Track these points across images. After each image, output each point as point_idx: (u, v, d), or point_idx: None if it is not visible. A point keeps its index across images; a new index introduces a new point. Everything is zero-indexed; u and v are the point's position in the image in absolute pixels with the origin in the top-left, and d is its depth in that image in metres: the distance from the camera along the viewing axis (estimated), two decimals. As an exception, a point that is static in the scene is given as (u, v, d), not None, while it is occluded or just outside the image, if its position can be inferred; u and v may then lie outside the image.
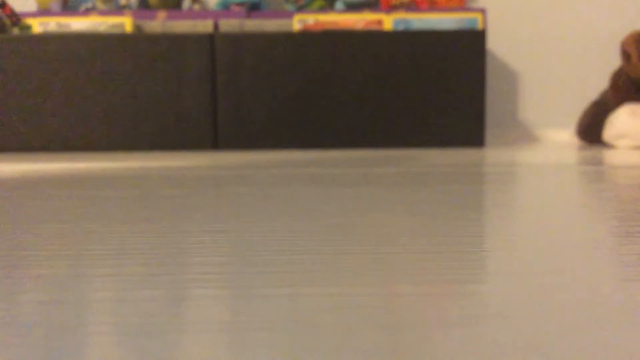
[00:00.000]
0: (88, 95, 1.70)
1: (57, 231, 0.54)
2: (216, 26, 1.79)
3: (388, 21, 1.76)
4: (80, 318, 0.31)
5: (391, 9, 1.85)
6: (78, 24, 1.78)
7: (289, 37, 1.70)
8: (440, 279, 0.37)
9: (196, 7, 1.90)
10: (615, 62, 1.97)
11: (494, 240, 0.49)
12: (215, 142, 1.72)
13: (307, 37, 1.70)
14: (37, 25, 1.77)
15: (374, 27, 1.76)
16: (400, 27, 1.75)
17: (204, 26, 1.79)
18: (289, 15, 1.80)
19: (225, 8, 1.89)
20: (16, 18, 1.76)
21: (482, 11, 1.78)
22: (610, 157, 1.37)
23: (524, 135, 2.09)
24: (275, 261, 0.42)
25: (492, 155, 1.42)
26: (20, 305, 0.33)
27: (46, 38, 1.70)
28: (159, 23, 1.80)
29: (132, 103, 1.71)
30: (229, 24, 1.78)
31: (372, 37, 1.69)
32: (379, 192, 0.78)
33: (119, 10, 1.87)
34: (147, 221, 0.58)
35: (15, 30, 1.76)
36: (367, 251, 0.45)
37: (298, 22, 1.76)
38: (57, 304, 0.33)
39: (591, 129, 1.81)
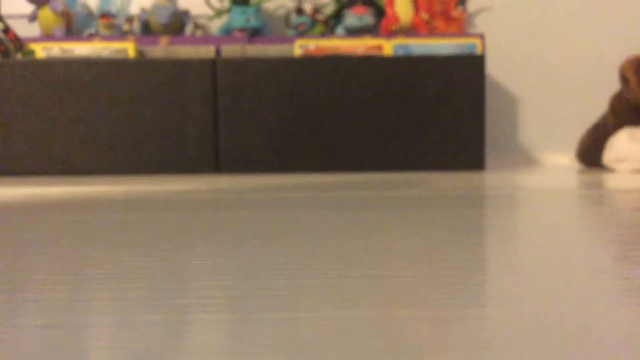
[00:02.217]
0: (91, 119, 1.71)
1: (58, 255, 0.54)
2: (218, 51, 1.81)
3: (388, 46, 1.77)
4: (80, 343, 0.31)
5: (391, 34, 1.87)
6: (81, 49, 1.80)
7: (290, 62, 1.72)
8: (441, 303, 0.37)
9: (198, 32, 1.92)
10: (614, 86, 1.98)
11: (494, 264, 0.49)
12: (216, 165, 1.72)
13: (308, 61, 1.71)
14: (41, 50, 1.79)
15: (374, 52, 1.77)
16: (400, 53, 1.77)
17: (206, 51, 1.80)
18: (290, 40, 1.82)
19: (227, 34, 1.91)
20: (19, 43, 1.78)
21: (481, 36, 1.80)
22: (610, 180, 1.37)
23: (524, 159, 2.09)
24: (276, 285, 0.42)
25: (492, 178, 1.42)
26: (20, 329, 0.33)
27: (49, 63, 1.72)
28: (162, 48, 1.82)
29: (134, 127, 1.72)
30: (230, 49, 1.80)
31: (372, 62, 1.71)
32: (379, 215, 0.78)
33: (122, 35, 1.89)
34: (148, 245, 0.58)
35: (19, 56, 1.78)
36: (368, 275, 0.45)
37: (299, 48, 1.78)
38: (57, 329, 0.33)
39: (591, 152, 1.81)
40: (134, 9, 2.02)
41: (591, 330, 0.32)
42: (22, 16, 1.98)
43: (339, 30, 1.91)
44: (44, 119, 1.71)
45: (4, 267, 0.50)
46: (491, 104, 2.07)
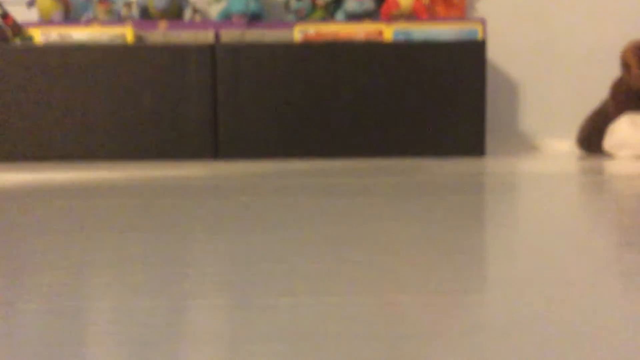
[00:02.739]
0: (89, 105, 1.71)
1: (57, 241, 0.54)
2: (217, 36, 1.80)
3: (388, 32, 1.76)
4: (79, 327, 0.31)
5: (391, 19, 1.86)
6: (79, 34, 1.78)
7: (289, 48, 1.71)
8: (440, 288, 0.37)
9: (197, 17, 1.91)
10: (615, 72, 1.97)
11: (494, 250, 0.49)
12: (215, 151, 1.72)
13: (308, 48, 1.70)
14: (39, 36, 1.77)
15: (375, 38, 1.76)
16: (401, 38, 1.76)
17: (205, 36, 1.79)
18: (290, 25, 1.80)
19: (227, 18, 1.90)
20: (18, 28, 1.77)
21: (482, 21, 1.79)
22: (611, 166, 1.37)
23: (525, 145, 2.09)
24: (276, 271, 0.42)
25: (493, 164, 1.42)
26: (21, 314, 0.33)
27: (48, 49, 1.71)
28: (160, 33, 1.80)
29: (133, 113, 1.71)
30: (230, 35, 1.79)
31: (372, 48, 1.70)
32: (379, 201, 0.78)
33: (121, 20, 1.88)
34: (147, 231, 0.58)
35: (17, 40, 1.77)
36: (367, 261, 0.45)
37: (299, 33, 1.77)
38: (57, 313, 0.33)
39: (591, 138, 1.81)
40: (133, -7, 2.00)
41: (592, 315, 0.32)
42: (21, 1, 1.97)
43: (339, 15, 1.90)
44: (42, 104, 1.71)
45: (3, 252, 0.50)
46: (492, 89, 2.06)
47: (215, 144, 1.71)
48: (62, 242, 0.54)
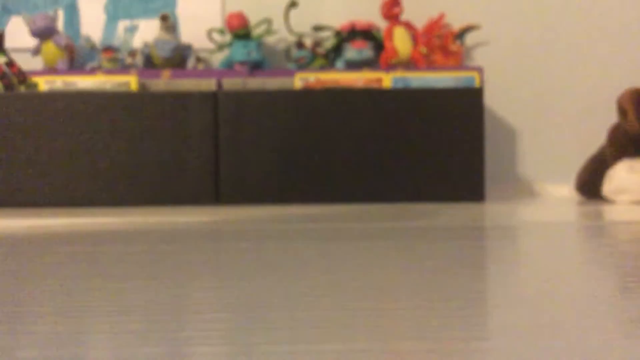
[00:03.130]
0: (93, 151, 1.72)
1: (59, 287, 0.54)
2: (219, 84, 1.83)
3: (387, 79, 1.79)
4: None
5: (390, 68, 1.89)
6: (84, 82, 1.82)
7: (290, 94, 1.73)
8: (442, 335, 0.37)
9: (200, 66, 1.95)
10: (612, 117, 2.00)
11: (496, 297, 0.49)
12: (217, 196, 1.73)
13: (308, 94, 1.73)
14: (44, 84, 1.80)
15: (374, 85, 1.79)
16: (399, 85, 1.79)
17: (208, 84, 1.82)
18: (291, 73, 1.84)
19: (229, 67, 1.94)
20: (23, 76, 1.80)
21: (479, 70, 1.82)
22: (610, 212, 1.38)
23: (524, 190, 2.10)
24: (277, 318, 0.42)
25: (493, 210, 1.43)
26: None
27: (52, 95, 1.73)
28: (164, 82, 1.84)
29: (136, 159, 1.72)
30: (232, 82, 1.82)
31: (371, 95, 1.73)
32: (379, 247, 0.78)
33: (125, 69, 1.91)
34: (148, 277, 0.58)
35: (22, 88, 1.80)
36: (368, 307, 0.45)
37: (300, 81, 1.80)
38: None
39: (590, 184, 1.82)
40: (137, 42, 2.05)
41: None
42: (26, 49, 2.01)
43: (339, 63, 1.94)
44: (45, 150, 1.72)
45: (5, 298, 0.50)
46: (490, 135, 2.08)
47: (216, 189, 1.72)
48: (63, 288, 0.54)
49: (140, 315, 0.43)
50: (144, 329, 0.39)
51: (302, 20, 2.04)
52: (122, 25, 2.08)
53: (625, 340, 0.36)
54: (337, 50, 1.97)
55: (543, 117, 2.10)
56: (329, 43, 2.00)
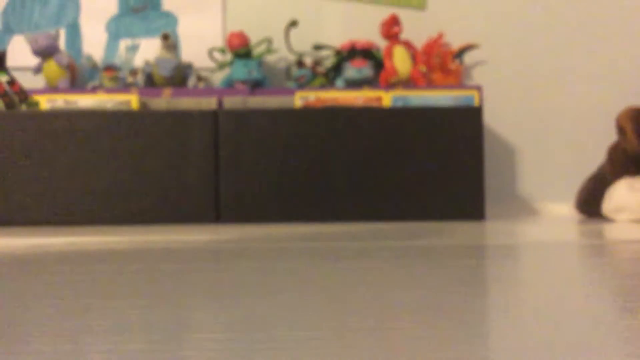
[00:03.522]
0: (94, 169, 1.73)
1: (59, 307, 0.54)
2: (220, 103, 1.84)
3: (387, 98, 1.80)
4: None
5: (390, 86, 1.90)
6: (85, 101, 1.82)
7: (290, 113, 1.74)
8: (443, 356, 0.37)
9: (201, 84, 1.96)
10: (611, 136, 2.01)
11: (496, 316, 0.49)
12: (217, 215, 1.73)
13: (308, 112, 1.74)
14: (45, 102, 1.81)
15: (374, 104, 1.80)
16: (399, 104, 1.80)
17: (208, 103, 1.83)
18: (291, 92, 1.85)
19: (230, 86, 1.95)
20: (24, 95, 1.81)
21: (478, 88, 1.83)
22: (610, 231, 1.37)
23: (524, 208, 2.10)
24: (277, 338, 0.42)
25: (493, 229, 1.42)
26: None
27: (53, 114, 1.74)
28: (165, 100, 1.85)
29: (136, 177, 1.73)
30: (232, 101, 1.83)
31: (371, 113, 1.73)
32: (380, 266, 0.78)
33: (126, 88, 1.92)
34: (148, 297, 0.58)
35: (24, 107, 1.80)
36: (369, 327, 0.44)
37: (300, 99, 1.81)
38: None
39: (590, 202, 1.82)
40: (138, 61, 2.06)
41: None
42: (28, 68, 2.02)
43: (339, 82, 1.95)
44: (46, 169, 1.72)
45: (5, 318, 0.50)
46: (490, 154, 2.09)
47: (216, 208, 1.72)
48: (63, 308, 0.54)
49: (139, 334, 0.43)
50: (143, 349, 0.39)
51: (303, 40, 2.05)
52: (123, 44, 2.10)
53: (627, 358, 0.36)
54: (337, 69, 1.98)
55: (543, 136, 2.10)
56: (329, 62, 2.02)
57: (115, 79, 1.94)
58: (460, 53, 2.01)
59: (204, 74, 2.06)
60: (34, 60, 1.99)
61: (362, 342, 0.40)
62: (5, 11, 2.10)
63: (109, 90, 1.87)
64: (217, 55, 2.05)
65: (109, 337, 0.43)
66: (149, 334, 0.44)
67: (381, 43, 2.02)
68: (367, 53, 1.96)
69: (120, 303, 0.55)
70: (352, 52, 1.95)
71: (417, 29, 2.08)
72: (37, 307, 0.54)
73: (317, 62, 2.01)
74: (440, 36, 2.01)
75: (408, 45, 1.98)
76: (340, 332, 0.43)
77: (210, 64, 2.05)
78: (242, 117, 1.74)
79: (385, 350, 0.38)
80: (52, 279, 0.71)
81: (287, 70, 2.03)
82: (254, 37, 2.03)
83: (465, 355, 0.37)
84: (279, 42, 2.04)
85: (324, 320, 0.47)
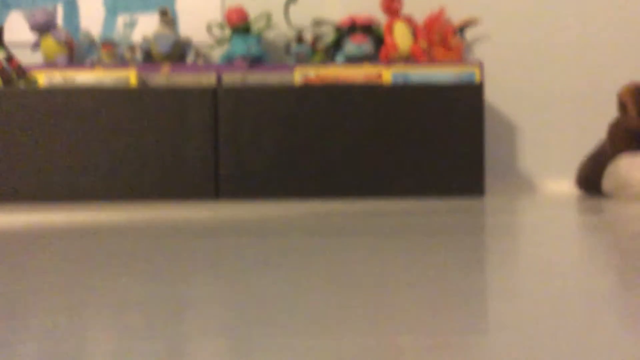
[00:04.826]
0: (92, 147, 1.72)
1: (57, 282, 0.54)
2: (219, 79, 1.83)
3: (387, 74, 1.79)
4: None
5: (390, 62, 1.89)
6: (83, 77, 1.81)
7: (289, 90, 1.73)
8: (441, 330, 0.37)
9: (200, 60, 1.94)
10: (612, 112, 2.00)
11: (494, 291, 0.49)
12: (216, 191, 1.73)
13: (308, 90, 1.73)
14: (44, 78, 1.80)
15: (374, 81, 1.79)
16: (399, 81, 1.79)
17: (208, 79, 1.82)
18: (291, 68, 1.83)
19: (229, 61, 1.94)
20: (22, 71, 1.80)
21: (480, 64, 1.82)
22: (609, 208, 1.38)
23: (524, 185, 2.10)
24: (275, 312, 0.42)
25: (492, 205, 1.43)
26: (19, 356, 0.33)
27: (51, 92, 1.73)
28: (163, 76, 1.83)
29: (135, 154, 1.72)
30: (232, 77, 1.82)
31: (371, 91, 1.73)
32: (379, 242, 0.78)
33: (124, 63, 1.91)
34: (147, 272, 0.59)
35: (21, 83, 1.80)
36: (367, 302, 0.45)
37: (299, 75, 1.80)
38: (56, 356, 0.33)
39: (590, 179, 1.82)
40: (136, 37, 2.05)
41: (592, 356, 0.32)
42: (26, 44, 2.01)
43: (339, 58, 1.94)
44: (45, 146, 1.72)
45: (4, 294, 0.50)
46: (490, 131, 2.08)
47: (216, 184, 1.72)
48: (62, 283, 0.54)
49: (139, 310, 0.44)
50: (143, 324, 0.40)
51: (302, 15, 2.03)
52: (121, 19, 2.08)
53: (626, 334, 0.36)
54: (336, 45, 1.97)
55: (543, 113, 2.10)
56: (329, 38, 2.00)
57: (113, 54, 1.93)
58: (461, 29, 1.99)
59: (202, 49, 2.04)
60: (31, 36, 1.98)
61: (360, 316, 0.41)
62: (1, -14, 2.08)
63: (107, 66, 1.86)
64: (216, 31, 2.04)
65: (108, 312, 0.43)
66: (148, 308, 0.44)
67: (382, 18, 2.00)
68: (367, 29, 1.94)
69: (119, 279, 0.56)
70: (352, 28, 1.93)
71: (418, 4, 2.06)
72: (36, 282, 0.55)
73: (316, 38, 1.99)
74: (441, 11, 1.99)
75: (409, 20, 1.97)
76: (339, 306, 0.43)
77: (209, 39, 2.03)
78: (241, 94, 1.73)
79: (382, 325, 0.38)
80: (52, 254, 0.71)
81: (287, 46, 2.02)
82: (253, 13, 2.02)
83: (463, 329, 0.37)
84: (278, 18, 2.02)
85: (323, 294, 0.48)
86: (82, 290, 0.51)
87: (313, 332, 0.37)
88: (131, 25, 2.06)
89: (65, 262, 0.66)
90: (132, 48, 1.95)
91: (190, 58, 1.92)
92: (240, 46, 1.90)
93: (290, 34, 2.04)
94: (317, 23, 2.00)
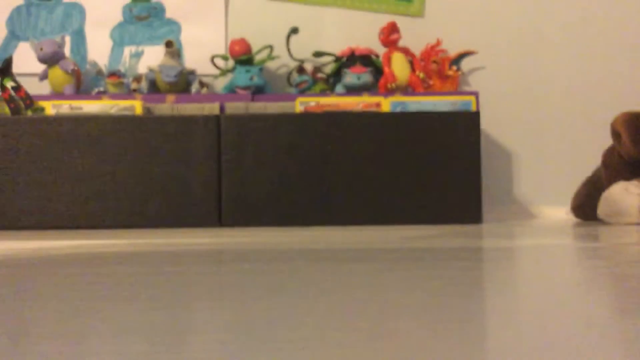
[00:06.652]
0: (98, 174, 1.75)
1: (61, 309, 0.55)
2: (222, 109, 1.86)
3: (386, 104, 1.83)
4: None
5: (389, 92, 1.93)
6: (90, 106, 1.85)
7: (291, 118, 1.76)
8: (441, 357, 0.38)
9: (204, 90, 1.98)
10: (606, 141, 2.02)
11: (493, 318, 0.50)
12: (219, 218, 1.75)
13: (309, 117, 1.76)
14: (51, 108, 1.84)
15: (373, 109, 1.82)
16: (398, 110, 1.82)
17: (211, 108, 1.86)
18: (292, 98, 1.87)
19: (232, 92, 1.97)
20: (30, 100, 1.84)
21: (476, 94, 1.86)
22: (605, 234, 1.39)
23: (521, 212, 2.12)
24: (278, 339, 0.43)
25: (490, 232, 1.44)
26: None
27: (59, 119, 1.77)
28: (168, 106, 1.87)
29: (140, 182, 1.75)
30: (234, 107, 1.85)
31: (370, 118, 1.76)
32: (379, 268, 0.79)
33: (130, 94, 1.95)
34: (150, 299, 0.59)
35: (29, 113, 1.83)
36: (369, 328, 0.45)
37: (300, 105, 1.83)
38: None
39: (585, 205, 1.84)
40: (142, 68, 2.09)
41: None
42: (33, 75, 2.05)
43: (339, 88, 1.97)
44: (51, 173, 1.75)
45: (7, 320, 0.51)
46: (487, 158, 2.11)
47: (219, 211, 1.74)
48: (66, 309, 0.54)
49: (143, 336, 0.44)
50: (147, 350, 0.40)
51: (303, 47, 2.07)
52: (127, 51, 2.12)
53: (625, 358, 0.36)
54: (337, 75, 2.01)
55: (539, 141, 2.12)
56: (329, 68, 2.04)
57: (119, 85, 1.97)
58: (458, 59, 2.03)
59: (206, 80, 2.08)
60: (39, 67, 2.02)
61: (361, 343, 0.41)
62: (11, 18, 2.13)
63: (114, 96, 1.89)
64: (219, 62, 2.08)
65: (113, 338, 0.44)
66: (153, 335, 0.45)
67: (380, 50, 2.04)
68: (366, 59, 1.98)
69: (124, 305, 0.56)
70: (351, 59, 1.97)
71: (415, 36, 2.10)
72: (41, 308, 0.55)
73: (317, 69, 2.03)
74: (438, 43, 2.03)
75: (406, 51, 2.01)
76: (342, 333, 0.44)
77: (212, 70, 2.07)
78: (244, 121, 1.76)
79: (385, 351, 0.39)
80: (57, 281, 0.72)
81: (288, 77, 2.06)
82: (255, 44, 2.06)
83: (463, 356, 0.38)
84: (280, 49, 2.06)
85: (325, 321, 0.48)
86: (86, 316, 0.51)
87: (318, 357, 0.38)
88: (137, 56, 2.10)
89: (70, 288, 0.67)
90: (138, 78, 1.98)
91: (194, 88, 1.96)
92: (242, 77, 1.94)
93: (292, 64, 2.08)
94: (318, 54, 2.04)
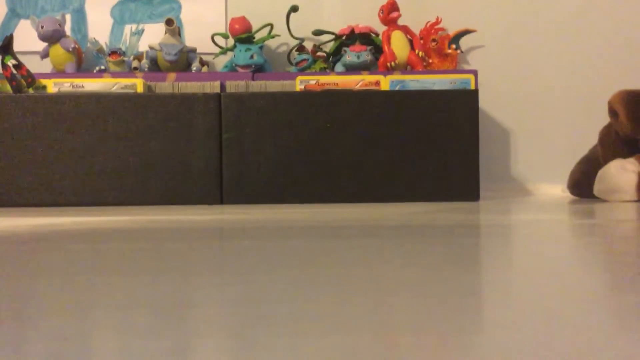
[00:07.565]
0: (100, 152, 1.76)
1: (65, 284, 0.56)
2: (223, 87, 1.87)
3: (385, 82, 1.83)
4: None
5: (388, 71, 1.93)
6: (91, 84, 1.86)
7: (291, 96, 1.77)
8: (439, 329, 0.38)
9: (204, 69, 1.98)
10: (604, 118, 2.03)
11: (490, 292, 0.51)
12: (220, 196, 1.76)
13: (308, 96, 1.77)
14: (52, 86, 1.85)
15: (372, 87, 1.83)
16: (397, 88, 1.83)
17: (212, 87, 1.86)
18: (292, 76, 1.87)
19: (232, 70, 1.98)
20: (31, 79, 1.84)
21: (474, 73, 1.86)
22: (601, 210, 1.40)
23: (518, 190, 2.13)
24: (278, 312, 0.44)
25: (487, 209, 1.45)
26: (27, 356, 0.34)
27: (60, 97, 1.77)
28: (169, 84, 1.88)
29: (142, 159, 1.76)
30: (235, 85, 1.86)
31: (369, 96, 1.76)
32: (378, 244, 0.80)
33: (131, 72, 1.95)
34: (153, 274, 0.60)
35: (31, 91, 1.84)
36: (367, 302, 0.47)
37: (300, 83, 1.84)
38: (62, 356, 0.34)
39: (582, 183, 1.85)
40: (143, 46, 2.09)
41: (586, 355, 0.33)
42: (35, 52, 2.05)
43: (339, 66, 1.97)
44: (53, 151, 1.76)
45: (11, 295, 0.51)
46: (485, 136, 2.12)
47: (220, 189, 1.76)
48: (69, 285, 0.55)
49: (145, 310, 0.45)
50: (149, 324, 0.41)
51: (303, 25, 2.07)
52: (128, 29, 2.12)
53: (618, 334, 0.37)
54: (336, 53, 2.01)
55: (536, 119, 2.13)
56: (329, 47, 2.04)
57: (120, 63, 1.97)
58: (456, 38, 2.03)
59: (207, 59, 2.08)
60: (40, 45, 2.02)
61: (360, 316, 0.42)
62: (10, -4, 2.12)
63: (115, 75, 1.90)
64: (220, 41, 2.08)
65: (115, 312, 0.45)
66: (155, 309, 0.45)
67: (380, 28, 2.04)
68: (366, 38, 1.98)
69: (126, 280, 0.57)
70: (351, 37, 1.97)
71: (415, 14, 2.10)
72: (43, 283, 0.56)
73: (317, 47, 2.03)
74: (437, 21, 2.03)
75: (406, 30, 2.01)
76: (340, 306, 0.45)
77: (213, 48, 2.07)
78: (244, 99, 1.77)
79: (383, 324, 0.40)
80: (58, 257, 0.72)
81: (288, 55, 2.06)
82: (255, 23, 2.06)
83: (459, 329, 0.39)
84: (280, 28, 2.06)
85: (324, 294, 0.49)
86: (89, 290, 0.52)
87: (315, 331, 0.39)
88: (138, 34, 2.10)
89: (72, 263, 0.67)
90: (139, 57, 1.99)
91: (195, 67, 1.96)
92: (243, 55, 1.94)
93: (292, 43, 2.08)
94: (318, 33, 2.04)
